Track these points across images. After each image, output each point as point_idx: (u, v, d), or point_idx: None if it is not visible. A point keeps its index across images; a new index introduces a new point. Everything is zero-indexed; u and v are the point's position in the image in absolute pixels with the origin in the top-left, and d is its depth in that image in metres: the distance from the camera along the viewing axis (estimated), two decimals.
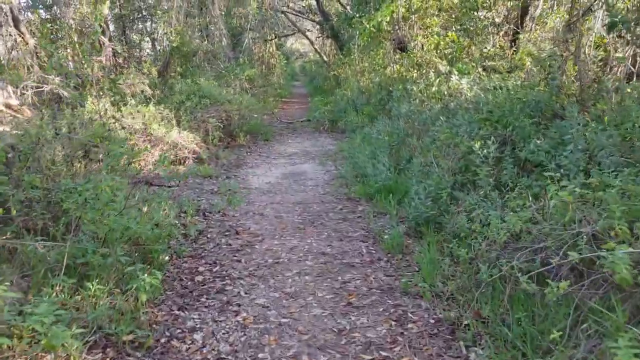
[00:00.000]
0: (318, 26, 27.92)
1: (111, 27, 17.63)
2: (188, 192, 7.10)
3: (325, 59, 29.05)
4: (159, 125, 8.83)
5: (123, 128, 7.92)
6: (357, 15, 12.87)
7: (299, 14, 29.27)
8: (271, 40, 28.51)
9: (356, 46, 15.86)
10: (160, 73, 13.89)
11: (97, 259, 3.57)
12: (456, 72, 7.63)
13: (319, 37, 30.55)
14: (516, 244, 3.53)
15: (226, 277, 4.29)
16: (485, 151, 4.88)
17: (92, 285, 3.34)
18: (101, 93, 9.34)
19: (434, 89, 7.69)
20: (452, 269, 4.13)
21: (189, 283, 4.18)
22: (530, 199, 3.73)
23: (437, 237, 4.91)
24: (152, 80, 11.60)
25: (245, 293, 3.99)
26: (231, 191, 7.25)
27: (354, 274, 4.34)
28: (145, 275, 3.41)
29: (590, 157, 4.35)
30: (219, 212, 6.19)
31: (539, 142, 4.91)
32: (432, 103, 7.68)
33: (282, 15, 28.23)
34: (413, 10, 11.07)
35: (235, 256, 4.78)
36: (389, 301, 3.84)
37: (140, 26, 17.86)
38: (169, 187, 7.49)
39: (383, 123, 10.00)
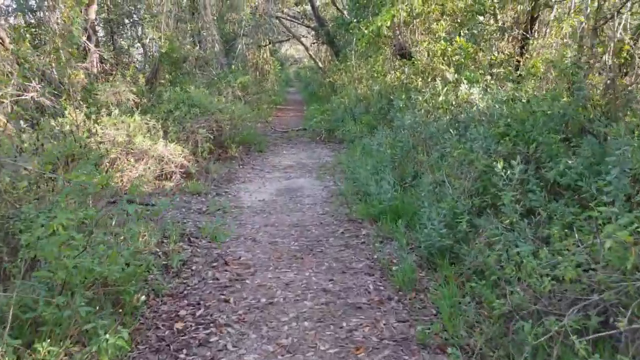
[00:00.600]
0: (313, 32, 27.40)
1: (101, 33, 17.05)
2: (173, 213, 6.46)
3: (320, 65, 28.50)
4: (144, 137, 8.19)
5: (100, 143, 7.26)
6: (355, 20, 12.29)
7: (294, 20, 28.74)
8: (265, 46, 27.95)
9: (353, 52, 15.29)
10: (148, 80, 13.27)
11: (51, 311, 2.92)
12: (465, 81, 7.04)
13: (314, 43, 30.03)
14: (562, 293, 2.91)
15: (211, 324, 3.64)
16: (508, 172, 4.27)
17: (42, 346, 2.70)
18: (82, 102, 8.70)
19: (441, 98, 7.09)
20: (476, 314, 3.51)
21: (166, 332, 3.53)
22: (576, 236, 3.10)
23: (454, 269, 4.30)
24: (139, 88, 10.96)
25: (233, 346, 3.35)
26: (221, 211, 6.61)
27: (361, 319, 3.71)
28: (108, 335, 2.77)
29: (635, 181, 3.75)
30: (206, 237, 5.54)
31: (570, 162, 4.31)
32: (439, 114, 7.08)
33: (277, 20, 27.66)
34: (415, 14, 10.49)
35: (222, 294, 4.14)
36: (405, 357, 3.21)
37: (130, 32, 17.27)
38: (154, 205, 6.85)
39: (384, 134, 9.41)
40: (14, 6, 14.58)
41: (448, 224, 4.71)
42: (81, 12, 12.68)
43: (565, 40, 7.51)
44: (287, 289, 4.21)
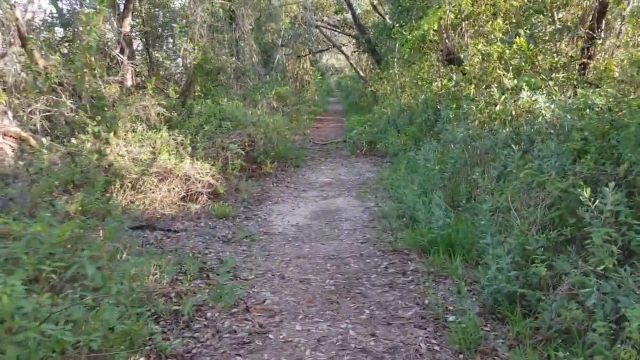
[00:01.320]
0: (354, 40, 26.71)
1: (138, 45, 16.78)
2: (196, 240, 5.76)
3: (361, 74, 27.72)
4: (170, 154, 7.58)
5: (110, 166, 6.66)
6: (398, 24, 11.47)
7: (334, 28, 28.10)
8: (305, 56, 27.40)
9: (396, 60, 14.45)
10: (182, 93, 12.78)
11: None
12: (525, 87, 6.12)
13: (354, 52, 29.31)
14: None
15: None
16: (597, 201, 3.36)
17: None
18: (100, 118, 8.17)
19: (498, 107, 6.18)
20: None
21: None
22: None
23: (528, 324, 3.41)
24: (170, 102, 10.42)
25: None
26: (248, 238, 5.88)
27: None
28: None
29: None
30: (229, 272, 4.80)
31: None
32: (497, 126, 6.17)
33: (316, 30, 27.09)
34: (463, 16, 9.59)
35: (238, 354, 3.36)
36: None
37: (165, 44, 16.93)
38: (176, 232, 6.19)
39: (430, 147, 8.52)
40: (49, 20, 14.39)
41: (517, 263, 3.82)
42: (109, 24, 12.29)
43: None
44: (319, 349, 3.40)
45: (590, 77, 7.66)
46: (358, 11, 24.58)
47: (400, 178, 7.96)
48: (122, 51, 13.37)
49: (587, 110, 5.32)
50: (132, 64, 12.57)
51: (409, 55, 11.12)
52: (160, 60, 14.97)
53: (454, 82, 10.06)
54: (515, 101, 6.11)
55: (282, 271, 4.85)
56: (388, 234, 5.86)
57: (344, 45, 29.98)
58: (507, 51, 6.13)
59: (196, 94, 11.81)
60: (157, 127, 9.01)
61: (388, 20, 15.54)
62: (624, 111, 4.63)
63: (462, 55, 9.43)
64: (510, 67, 6.29)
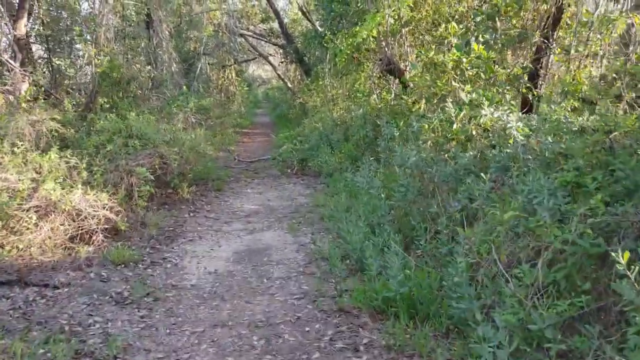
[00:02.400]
0: (281, 50, 25.68)
1: (39, 51, 14.88)
2: (79, 302, 4.36)
3: (289, 85, 26.68)
4: (56, 183, 6.08)
5: None
6: (330, 32, 10.44)
7: (260, 38, 26.93)
8: (230, 65, 26.05)
9: (327, 70, 13.44)
10: (86, 106, 11.14)
11: None
12: (485, 102, 5.19)
13: (282, 62, 28.28)
14: None
15: None
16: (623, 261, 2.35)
17: None
18: None
19: (455, 126, 5.20)
20: None
21: None
22: None
23: None
24: (66, 116, 8.83)
25: None
26: (150, 296, 4.54)
27: None
28: None
29: None
30: (116, 356, 3.46)
31: None
32: (454, 148, 5.19)
33: (241, 38, 25.82)
34: (402, 22, 8.67)
35: None
36: None
37: (74, 50, 15.07)
38: (56, 288, 4.74)
39: (370, 168, 7.53)
40: None
41: (518, 349, 2.77)
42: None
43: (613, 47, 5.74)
44: None
45: (543, 90, 6.89)
46: (285, 20, 23.55)
47: (339, 206, 6.85)
48: (14, 57, 11.58)
49: (566, 130, 4.43)
50: (24, 71, 10.83)
51: (343, 65, 10.11)
52: (63, 68, 13.15)
53: (393, 95, 9.13)
54: (474, 118, 5.15)
55: (191, 352, 3.56)
56: (330, 284, 4.70)
57: (270, 55, 28.87)
58: (464, 59, 5.20)
59: (101, 106, 10.22)
60: (47, 147, 7.51)
61: (319, 28, 14.51)
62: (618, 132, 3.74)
63: (403, 65, 8.50)
64: (467, 78, 5.35)
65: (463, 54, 5.20)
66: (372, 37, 8.64)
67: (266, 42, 27.22)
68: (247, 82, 36.89)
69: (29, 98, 12.35)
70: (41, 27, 14.14)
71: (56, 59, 13.16)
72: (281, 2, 26.04)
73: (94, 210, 5.97)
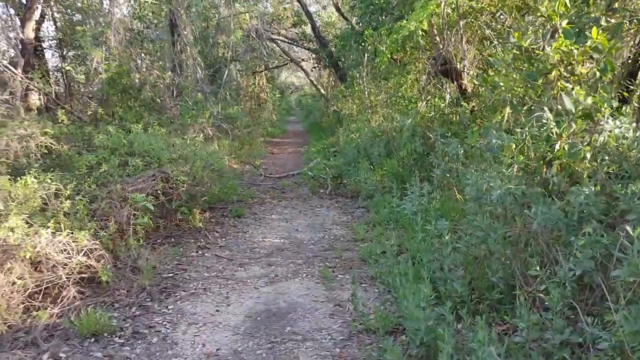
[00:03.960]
0: (314, 55, 24.31)
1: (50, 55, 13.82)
2: None
3: (322, 91, 25.23)
4: (21, 219, 4.70)
5: None
6: (371, 27, 8.90)
7: (292, 42, 25.62)
8: (260, 72, 24.82)
9: (364, 74, 11.91)
10: (93, 117, 9.90)
11: None
12: (604, 110, 3.59)
13: (315, 68, 26.90)
14: None
15: None
16: None
17: None
18: None
19: (559, 145, 3.60)
20: None
21: None
22: None
23: None
24: (59, 130, 7.53)
25: None
26: None
27: None
28: None
29: None
30: None
31: None
32: (558, 178, 3.58)
33: (272, 43, 24.56)
34: (460, 13, 7.07)
35: None
36: None
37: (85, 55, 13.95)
38: None
39: (422, 192, 6.00)
40: None
41: None
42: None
43: None
44: None
45: None
46: (318, 23, 22.15)
47: (386, 246, 5.29)
48: (14, 63, 10.47)
49: None
50: (26, 78, 9.66)
51: (384, 67, 8.56)
52: (74, 74, 11.96)
53: (447, 102, 7.54)
54: (590, 135, 3.54)
55: None
56: None
57: (303, 60, 27.49)
58: (575, 50, 3.62)
59: (101, 117, 8.93)
60: (28, 168, 6.22)
61: (355, 26, 12.97)
62: None
63: (460, 65, 6.91)
64: (577, 78, 3.75)
65: (574, 44, 3.61)
66: (423, 31, 7.08)
67: (298, 46, 25.92)
68: (279, 89, 35.78)
69: (32, 108, 11.16)
70: (55, 31, 13.08)
71: (66, 64, 12.00)
72: (313, 7, 24.68)
73: (67, 257, 4.56)
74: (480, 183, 4.00)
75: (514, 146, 3.94)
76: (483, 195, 3.97)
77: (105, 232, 5.29)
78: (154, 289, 4.82)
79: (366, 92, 11.80)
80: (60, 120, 7.65)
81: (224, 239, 6.51)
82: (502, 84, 4.04)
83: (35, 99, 11.45)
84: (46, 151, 7.02)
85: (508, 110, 4.25)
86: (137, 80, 10.65)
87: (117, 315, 4.27)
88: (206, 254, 5.90)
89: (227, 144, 13.69)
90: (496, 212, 3.88)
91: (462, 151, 5.57)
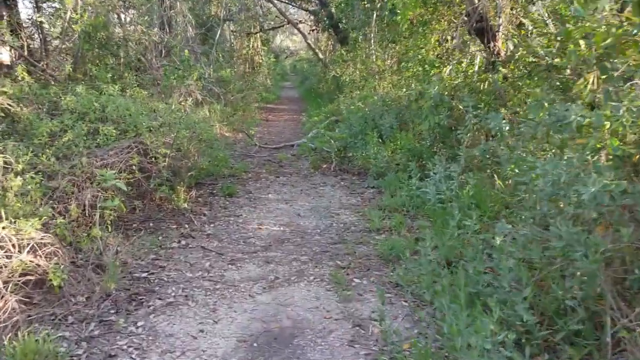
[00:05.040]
0: (312, 16, 22.97)
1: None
2: None
3: (320, 56, 23.91)
4: None
5: None
6: None
7: (289, 2, 24.22)
8: (255, 33, 23.41)
9: (372, 35, 10.73)
10: (67, 77, 8.69)
11: None
12: None
13: (313, 30, 25.56)
14: None
15: None
16: None
17: None
18: None
19: None
20: None
21: None
22: None
23: None
24: (19, 89, 6.36)
25: None
26: None
27: None
28: None
29: None
30: None
31: None
32: None
33: (268, 3, 23.16)
34: None
35: None
36: None
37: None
38: None
39: (449, 173, 5.01)
40: None
41: None
42: None
43: None
44: None
45: None
46: None
47: (408, 241, 4.29)
48: None
49: None
50: None
51: (406, 26, 7.40)
52: (47, 27, 10.64)
53: (477, 67, 6.45)
54: None
55: None
56: None
57: (300, 22, 26.04)
58: None
59: (69, 76, 7.75)
60: None
61: None
62: None
63: (496, 25, 5.80)
64: None
65: None
66: None
67: (296, 7, 24.54)
68: (274, 53, 34.38)
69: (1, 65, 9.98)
70: None
71: (39, 15, 10.67)
72: None
73: (6, 255, 3.51)
74: (557, 174, 2.96)
75: (607, 125, 2.89)
76: (561, 191, 2.94)
77: (64, 219, 4.24)
78: (121, 295, 3.79)
79: (373, 56, 10.63)
80: (21, 78, 6.46)
81: (212, 225, 5.46)
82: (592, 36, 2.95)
83: (4, 55, 10.18)
84: (2, 114, 5.88)
85: (594, 79, 3.17)
86: (118, 36, 9.41)
87: (69, 334, 3.25)
88: (190, 245, 4.86)
89: (218, 109, 12.55)
90: (582, 215, 2.85)
91: (507, 127, 4.51)
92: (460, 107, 5.79)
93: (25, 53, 9.98)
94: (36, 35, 11.77)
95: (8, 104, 6.03)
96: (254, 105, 16.35)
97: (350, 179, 7.55)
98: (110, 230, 4.57)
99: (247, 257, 4.58)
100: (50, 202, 4.41)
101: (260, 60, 23.90)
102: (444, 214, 4.97)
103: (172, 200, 5.90)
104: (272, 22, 26.14)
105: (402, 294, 3.82)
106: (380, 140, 7.88)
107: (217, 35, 17.52)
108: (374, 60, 10.73)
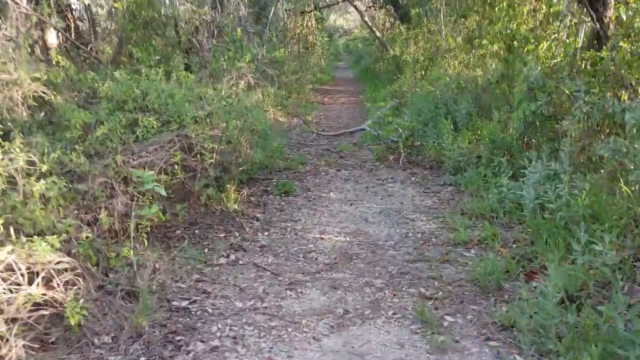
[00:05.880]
0: None
1: None
2: None
3: (378, 34, 22.72)
4: None
5: None
6: None
7: None
8: (309, 12, 22.45)
9: (441, 7, 9.63)
10: (113, 60, 8.07)
11: None
12: None
13: (370, 7, 24.36)
14: None
15: None
16: None
17: None
18: None
19: None
20: None
21: None
22: None
23: None
24: (55, 75, 5.71)
25: None
26: None
27: None
28: None
29: None
30: None
31: None
32: None
33: None
34: None
35: None
36: None
37: None
38: None
39: (558, 176, 4.03)
40: None
41: None
42: None
43: None
44: None
45: None
46: None
47: (543, 295, 3.36)
48: None
49: None
50: (27, 8, 7.85)
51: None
52: (94, 8, 10.07)
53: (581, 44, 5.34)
54: None
55: None
56: None
57: None
58: None
59: (107, 61, 7.10)
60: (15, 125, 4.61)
61: None
62: None
63: None
64: None
65: None
66: None
67: None
68: (328, 32, 33.39)
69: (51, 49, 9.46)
70: None
71: None
72: None
73: (12, 287, 2.81)
74: None
75: None
76: None
77: (91, 233, 3.53)
78: (155, 334, 3.04)
79: (443, 33, 9.54)
80: (55, 62, 5.82)
81: (266, 233, 4.66)
82: None
83: (53, 38, 9.66)
84: (35, 104, 5.25)
85: None
86: (165, 15, 8.71)
87: None
88: (241, 261, 4.07)
89: (272, 92, 11.78)
90: None
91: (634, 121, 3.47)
92: (565, 91, 4.71)
93: (73, 35, 9.46)
94: (85, 16, 11.26)
95: (42, 92, 5.38)
96: (308, 87, 15.52)
97: (421, 173, 6.61)
98: (146, 243, 3.84)
99: (309, 279, 3.76)
100: (76, 211, 3.71)
101: (315, 40, 22.96)
102: (550, 226, 4.00)
103: (221, 200, 5.15)
104: (327, 0, 25.12)
105: (513, 342, 2.90)
106: (452, 127, 6.88)
107: (271, 14, 16.73)
108: (444, 36, 9.63)
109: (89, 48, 8.35)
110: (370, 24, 24.06)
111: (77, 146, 4.25)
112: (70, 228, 3.33)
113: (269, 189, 5.96)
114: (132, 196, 4.02)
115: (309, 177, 6.56)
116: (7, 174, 3.63)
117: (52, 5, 9.16)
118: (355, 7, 24.12)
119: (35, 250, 3.00)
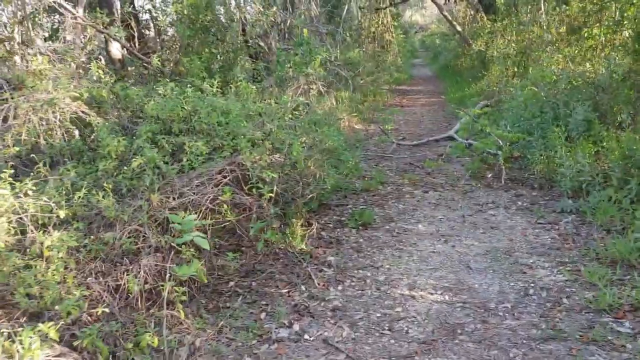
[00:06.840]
0: None
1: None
2: None
3: (458, 28, 21.20)
4: None
5: None
6: None
7: None
8: (385, 8, 21.28)
9: None
10: (173, 71, 7.38)
11: None
12: None
13: (448, 1, 22.92)
14: None
15: None
16: None
17: None
18: None
19: None
20: None
21: None
22: None
23: None
24: (99, 91, 4.99)
25: None
26: None
27: None
28: None
29: None
30: None
31: None
32: None
33: None
34: None
35: None
36: None
37: None
38: None
39: None
40: None
41: None
42: None
43: None
44: None
45: None
46: None
47: None
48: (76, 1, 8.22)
49: None
50: (83, 19, 7.31)
51: None
52: (150, 14, 9.42)
53: None
54: None
55: None
56: None
57: None
58: None
59: (156, 73, 6.35)
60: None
61: None
62: None
63: None
64: None
65: None
66: None
67: None
68: (403, 28, 32.10)
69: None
70: None
71: (148, 1, 9.53)
72: None
73: None
74: None
75: None
76: None
77: (105, 308, 2.69)
78: None
79: (543, 23, 8.16)
80: (96, 78, 5.11)
81: (339, 286, 3.66)
82: None
83: (117, 49, 9.13)
84: (72, 126, 4.53)
85: None
86: (226, 17, 7.95)
87: None
88: (307, 334, 3.09)
89: (346, 96, 10.80)
90: None
91: None
92: None
93: (137, 45, 8.89)
94: (151, 25, 10.72)
95: (83, 111, 4.68)
96: (384, 89, 14.40)
97: (529, 195, 5.38)
98: (182, 313, 2.95)
99: None
100: (94, 274, 2.88)
101: (391, 38, 21.77)
102: None
103: (285, 238, 4.22)
104: None
105: None
106: (564, 136, 5.61)
107: (344, 12, 15.79)
108: (545, 27, 8.25)
109: (150, 58, 7.72)
110: (449, 17, 22.57)
111: (106, 182, 3.45)
112: (75, 311, 2.48)
113: (343, 219, 4.96)
114: (169, 249, 3.15)
115: (390, 201, 5.50)
116: (13, 227, 2.89)
117: (117, 14, 8.64)
118: (433, 0, 22.69)
119: (21, 344, 2.17)
